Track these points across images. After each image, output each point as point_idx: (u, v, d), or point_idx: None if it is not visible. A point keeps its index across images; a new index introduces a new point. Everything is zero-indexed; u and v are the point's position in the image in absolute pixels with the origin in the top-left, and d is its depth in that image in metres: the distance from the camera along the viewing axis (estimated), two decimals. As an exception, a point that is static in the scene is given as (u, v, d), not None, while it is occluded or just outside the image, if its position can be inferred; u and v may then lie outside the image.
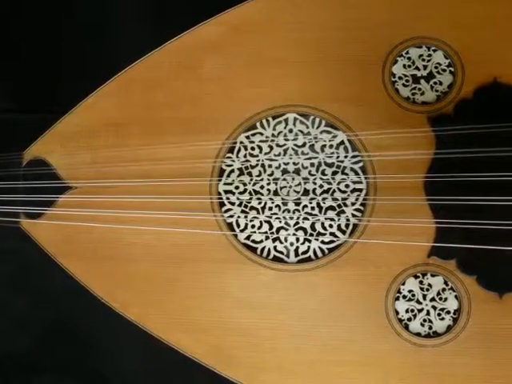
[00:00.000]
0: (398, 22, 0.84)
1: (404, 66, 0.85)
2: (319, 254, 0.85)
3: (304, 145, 0.86)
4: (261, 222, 0.86)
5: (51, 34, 1.06)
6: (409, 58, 0.85)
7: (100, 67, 0.96)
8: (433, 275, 0.83)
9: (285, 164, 0.86)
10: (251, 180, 0.86)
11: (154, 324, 0.86)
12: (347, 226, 0.84)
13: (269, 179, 0.86)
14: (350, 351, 0.83)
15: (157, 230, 0.86)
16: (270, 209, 0.86)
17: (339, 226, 0.85)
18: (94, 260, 0.88)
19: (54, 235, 0.89)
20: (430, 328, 0.83)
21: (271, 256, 0.86)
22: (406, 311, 0.83)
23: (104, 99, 0.90)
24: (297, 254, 0.85)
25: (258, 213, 0.86)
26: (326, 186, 0.85)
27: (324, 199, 0.85)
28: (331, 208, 0.85)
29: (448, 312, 0.83)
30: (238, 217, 0.86)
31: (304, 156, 0.86)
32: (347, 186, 0.85)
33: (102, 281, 0.88)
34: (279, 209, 0.86)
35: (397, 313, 0.83)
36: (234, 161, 0.87)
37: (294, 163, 0.86)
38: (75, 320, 1.02)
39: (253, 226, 0.86)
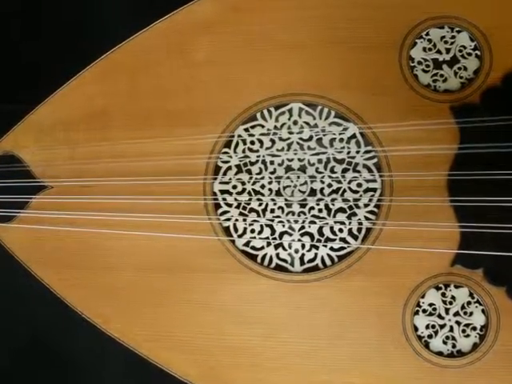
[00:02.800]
0: (417, -1, 0.83)
1: (424, 49, 0.83)
2: (328, 262, 0.82)
3: (310, 138, 0.84)
4: (261, 226, 0.84)
5: (25, 13, 1.05)
6: (429, 40, 0.82)
7: (79, 51, 0.95)
8: (457, 286, 0.80)
9: (289, 160, 0.84)
10: (251, 178, 0.84)
11: (139, 341, 0.84)
12: (359, 230, 0.82)
13: (270, 177, 0.84)
14: (362, 372, 0.80)
15: (143, 236, 0.84)
16: (272, 211, 0.84)
17: (350, 230, 0.82)
18: (72, 269, 0.86)
19: (27, 241, 0.87)
20: (454, 346, 0.80)
21: (273, 264, 0.83)
22: (427, 327, 0.80)
23: (84, 87, 0.87)
24: (302, 263, 0.83)
25: (259, 216, 0.84)
26: (335, 186, 0.83)
27: (333, 200, 0.82)
28: (341, 210, 0.83)
29: (474, 328, 0.80)
30: (236, 220, 0.84)
31: (310, 151, 0.84)
32: (359, 185, 0.83)
33: (81, 292, 0.86)
34: (282, 211, 0.84)
35: (416, 329, 0.80)
36: (231, 157, 0.85)
37: (299, 159, 0.84)
38: (52, 337, 1.01)
39: (252, 231, 0.84)
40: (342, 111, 0.82)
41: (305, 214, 0.83)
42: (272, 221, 0.83)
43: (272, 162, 0.84)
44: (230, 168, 0.85)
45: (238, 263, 0.83)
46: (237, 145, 0.85)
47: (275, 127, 0.84)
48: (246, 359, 0.82)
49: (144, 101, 0.86)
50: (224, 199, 0.84)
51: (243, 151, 0.84)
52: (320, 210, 0.83)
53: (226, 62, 0.84)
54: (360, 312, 0.80)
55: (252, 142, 0.84)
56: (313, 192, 0.83)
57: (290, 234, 0.83)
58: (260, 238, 0.83)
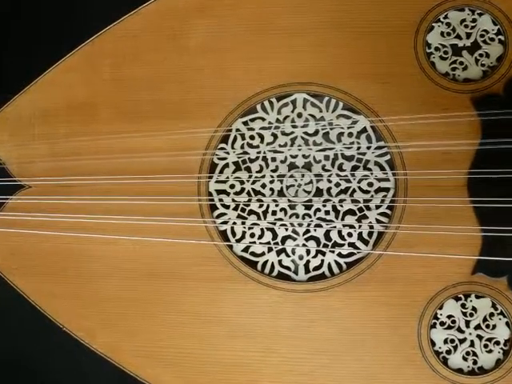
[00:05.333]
0: (435, -21, 0.83)
1: (442, 33, 0.82)
2: (335, 269, 0.81)
3: (316, 133, 0.83)
4: (262, 229, 0.83)
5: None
6: (448, 24, 0.82)
7: (60, 36, 0.97)
8: (478, 297, 0.79)
9: (292, 157, 0.83)
10: (250, 177, 0.84)
11: (127, 357, 0.83)
12: (370, 234, 0.81)
13: (272, 176, 0.83)
14: (373, 392, 0.81)
15: (130, 240, 0.83)
16: (274, 213, 0.83)
17: (360, 234, 0.81)
18: (51, 277, 0.85)
19: (1, 246, 0.87)
20: (475, 363, 0.78)
21: (275, 272, 0.82)
22: (445, 342, 0.79)
23: (65, 76, 0.87)
24: (307, 270, 0.82)
25: (259, 218, 0.83)
26: (343, 185, 0.82)
27: (341, 201, 0.82)
28: (350, 212, 0.82)
29: (497, 343, 0.78)
30: (234, 223, 0.83)
31: (316, 147, 0.83)
32: (370, 184, 0.82)
33: (62, 303, 0.85)
34: (285, 213, 0.83)
35: (433, 344, 0.79)
36: (228, 153, 0.84)
37: (303, 156, 0.83)
38: (29, 353, 1.00)
39: (252, 235, 0.83)
40: (351, 103, 0.81)
41: (310, 216, 0.82)
42: (274, 224, 0.82)
43: (274, 159, 0.83)
44: (227, 165, 0.84)
45: (235, 271, 0.82)
46: (235, 140, 0.84)
47: (277, 120, 0.84)
48: (243, 376, 0.81)
49: (131, 91, 0.85)
50: (221, 200, 0.83)
51: (242, 147, 0.84)
52: (327, 212, 0.82)
53: (223, 49, 0.84)
54: (370, 325, 0.79)
55: (252, 137, 0.84)
56: (319, 192, 0.82)
57: (294, 239, 0.82)
58: (260, 243, 0.82)
